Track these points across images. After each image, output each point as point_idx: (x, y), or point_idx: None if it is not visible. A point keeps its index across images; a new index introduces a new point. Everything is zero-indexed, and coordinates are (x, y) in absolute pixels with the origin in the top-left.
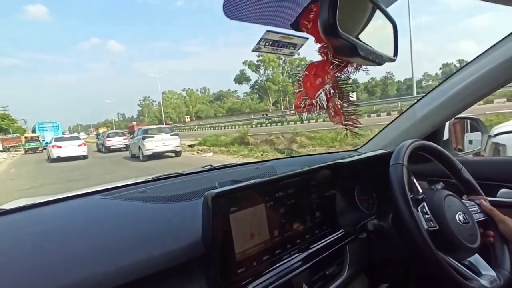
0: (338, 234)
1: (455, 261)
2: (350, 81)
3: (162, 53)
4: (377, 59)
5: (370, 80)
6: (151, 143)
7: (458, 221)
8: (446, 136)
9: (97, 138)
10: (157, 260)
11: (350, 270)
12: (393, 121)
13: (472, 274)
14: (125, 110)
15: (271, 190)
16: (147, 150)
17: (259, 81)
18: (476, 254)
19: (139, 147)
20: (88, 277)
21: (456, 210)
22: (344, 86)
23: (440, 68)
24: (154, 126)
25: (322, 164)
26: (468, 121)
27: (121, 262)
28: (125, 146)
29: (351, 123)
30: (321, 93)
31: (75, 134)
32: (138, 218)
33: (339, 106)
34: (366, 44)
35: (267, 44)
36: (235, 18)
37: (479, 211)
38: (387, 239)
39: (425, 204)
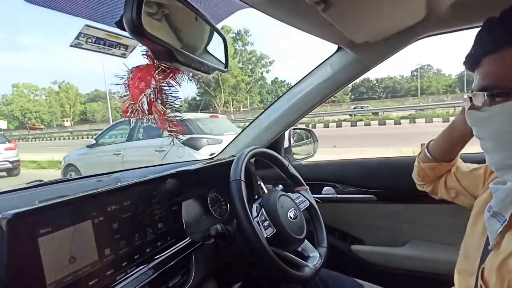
0: (184, 243)
1: (288, 253)
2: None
3: None
4: (203, 68)
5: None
6: None
7: (289, 218)
8: (286, 144)
9: None
10: None
11: (197, 277)
12: (244, 129)
13: (302, 261)
14: None
15: (101, 204)
16: None
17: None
18: (305, 240)
19: None
20: None
21: (288, 208)
22: (170, 92)
23: None
24: None
25: (162, 174)
26: (304, 131)
27: None
28: (11, 164)
29: (175, 129)
30: (142, 97)
31: None
32: None
33: (162, 112)
34: (190, 53)
35: (89, 40)
36: (37, 2)
37: (304, 200)
38: (232, 242)
39: (263, 211)
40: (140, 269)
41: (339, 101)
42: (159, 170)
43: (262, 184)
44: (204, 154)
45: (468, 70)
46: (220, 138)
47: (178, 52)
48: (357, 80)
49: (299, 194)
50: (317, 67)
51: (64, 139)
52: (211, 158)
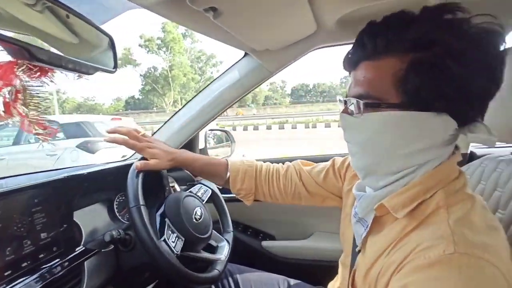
0: (75, 252)
1: (198, 254)
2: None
3: None
4: (79, 68)
5: None
6: None
7: (195, 220)
8: (202, 145)
9: None
10: None
11: (91, 287)
12: (157, 130)
13: (213, 255)
14: None
15: None
16: None
17: (158, 68)
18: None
19: None
20: None
21: (192, 210)
22: (36, 92)
23: None
24: None
25: (46, 179)
26: (220, 132)
27: None
28: None
29: (42, 132)
30: None
31: None
32: None
33: (24, 114)
34: (63, 51)
35: None
36: None
37: (206, 189)
38: (134, 246)
39: (169, 222)
40: (13, 286)
41: (280, 103)
42: (52, 175)
43: (176, 186)
44: (100, 157)
45: (346, 70)
46: None
47: (39, 51)
48: (296, 84)
49: (201, 185)
50: (226, 70)
51: None
52: (123, 160)
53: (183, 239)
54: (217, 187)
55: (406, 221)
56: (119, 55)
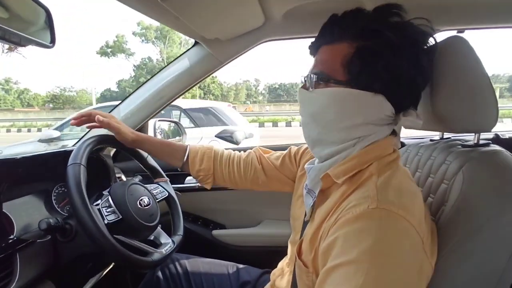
0: (5, 242)
1: (138, 241)
2: None
3: None
4: (8, 37)
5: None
6: None
7: (139, 206)
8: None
9: None
10: None
11: (24, 279)
12: None
13: (152, 248)
14: None
15: None
16: None
17: (154, 60)
18: (159, 229)
19: None
20: None
21: (139, 196)
22: None
23: None
24: None
25: None
26: (171, 124)
27: None
28: None
29: None
30: None
31: None
32: None
33: None
34: None
35: None
36: None
37: (162, 191)
38: (75, 236)
39: (109, 198)
40: None
41: (259, 102)
42: None
43: (123, 177)
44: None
45: (310, 55)
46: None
47: None
48: (274, 83)
49: (158, 185)
50: (176, 58)
51: None
52: (64, 147)
53: (120, 216)
54: (175, 192)
55: (345, 187)
56: (110, 42)
